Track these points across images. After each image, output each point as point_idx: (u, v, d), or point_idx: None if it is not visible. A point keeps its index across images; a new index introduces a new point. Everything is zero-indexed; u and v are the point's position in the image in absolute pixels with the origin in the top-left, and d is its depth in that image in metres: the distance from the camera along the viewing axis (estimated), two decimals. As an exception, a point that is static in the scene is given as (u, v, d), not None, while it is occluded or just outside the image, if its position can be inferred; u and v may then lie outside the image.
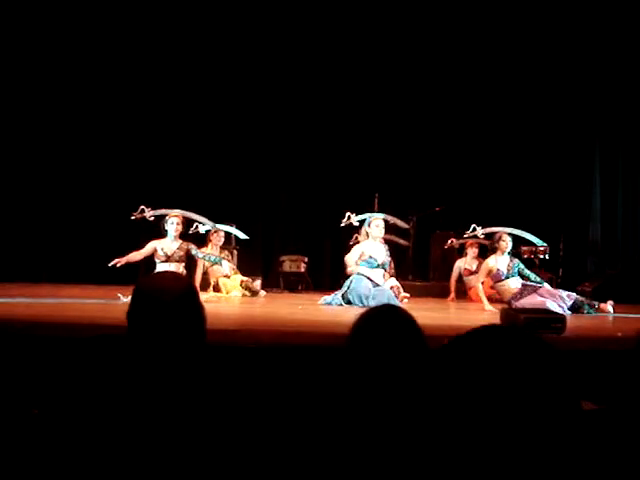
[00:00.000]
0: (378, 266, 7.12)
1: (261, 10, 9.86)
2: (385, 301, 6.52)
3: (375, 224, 7.24)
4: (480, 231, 7.86)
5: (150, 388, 1.71)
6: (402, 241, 9.26)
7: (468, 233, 8.01)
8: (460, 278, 8.86)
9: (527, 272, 7.33)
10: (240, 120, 10.13)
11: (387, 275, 7.37)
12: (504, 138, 10.22)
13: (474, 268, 8.64)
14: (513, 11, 9.80)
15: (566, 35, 9.88)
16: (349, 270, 7.21)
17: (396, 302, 6.79)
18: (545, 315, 5.14)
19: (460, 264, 8.85)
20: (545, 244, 8.44)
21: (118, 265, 6.86)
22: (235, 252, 9.07)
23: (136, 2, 9.65)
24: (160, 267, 7.00)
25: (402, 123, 10.33)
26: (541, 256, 8.58)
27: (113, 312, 4.65)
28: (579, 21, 9.83)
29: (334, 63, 10.08)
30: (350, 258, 7.24)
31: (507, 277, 7.19)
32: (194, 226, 8.10)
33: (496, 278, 7.26)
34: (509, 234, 7.44)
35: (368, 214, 7.57)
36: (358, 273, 7.07)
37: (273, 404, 1.83)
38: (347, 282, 7.13)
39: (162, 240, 7.19)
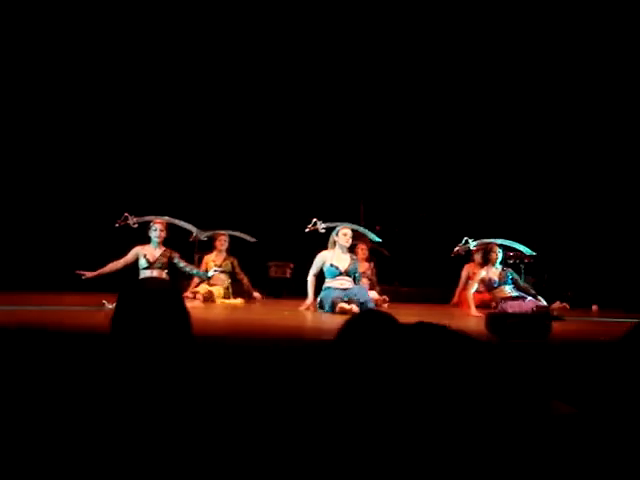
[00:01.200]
0: (341, 274, 7.08)
1: (237, 26, 9.86)
2: (358, 292, 6.74)
3: (343, 232, 7.19)
4: (472, 243, 7.92)
5: (135, 391, 1.71)
6: (384, 251, 9.29)
7: (460, 245, 8.03)
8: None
9: (521, 282, 7.45)
10: (227, 125, 10.15)
11: (364, 285, 7.37)
12: (491, 147, 10.27)
13: None
14: (493, 30, 9.85)
15: (546, 51, 9.95)
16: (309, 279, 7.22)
17: (367, 297, 6.86)
18: (530, 320, 5.16)
19: (469, 270, 8.86)
20: (534, 253, 8.49)
21: (83, 278, 6.90)
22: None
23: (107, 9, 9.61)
24: (142, 273, 7.02)
25: (389, 130, 10.37)
26: (526, 261, 8.63)
27: (98, 319, 4.63)
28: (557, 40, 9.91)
29: (318, 71, 10.10)
30: (311, 272, 7.22)
31: (499, 285, 7.29)
32: (194, 234, 8.09)
33: (489, 287, 7.39)
34: (499, 245, 7.53)
35: (338, 223, 7.52)
36: (325, 287, 7.07)
37: (258, 407, 1.83)
38: (319, 298, 7.12)
39: (145, 246, 7.22)
